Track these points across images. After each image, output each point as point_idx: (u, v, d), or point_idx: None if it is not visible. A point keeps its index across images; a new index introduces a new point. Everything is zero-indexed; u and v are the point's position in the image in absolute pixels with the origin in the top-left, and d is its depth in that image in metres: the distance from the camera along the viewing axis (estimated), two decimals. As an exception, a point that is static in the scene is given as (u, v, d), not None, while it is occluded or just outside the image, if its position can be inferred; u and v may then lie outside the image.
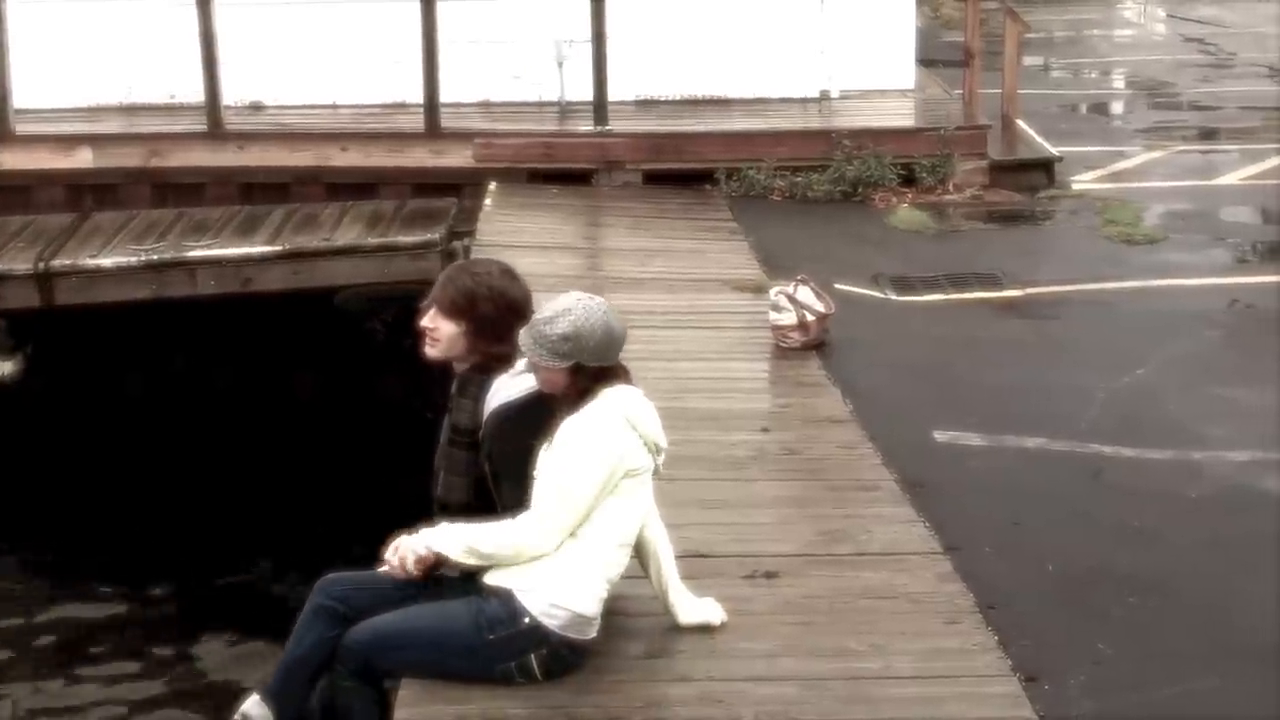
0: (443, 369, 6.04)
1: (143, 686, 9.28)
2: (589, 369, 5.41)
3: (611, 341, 5.44)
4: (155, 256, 12.33)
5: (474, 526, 5.45)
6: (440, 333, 5.79)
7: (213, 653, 9.59)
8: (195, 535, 10.99)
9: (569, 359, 5.38)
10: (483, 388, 5.73)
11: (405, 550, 5.45)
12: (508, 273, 5.95)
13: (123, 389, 12.87)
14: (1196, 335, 10.09)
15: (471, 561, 5.40)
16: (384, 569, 5.60)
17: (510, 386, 5.67)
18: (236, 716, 5.71)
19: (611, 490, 5.39)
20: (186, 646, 9.62)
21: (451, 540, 5.42)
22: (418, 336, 5.91)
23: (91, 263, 12.30)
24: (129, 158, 13.83)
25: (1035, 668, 5.73)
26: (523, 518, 5.39)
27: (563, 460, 5.35)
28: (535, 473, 5.42)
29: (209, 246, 12.52)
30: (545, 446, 5.42)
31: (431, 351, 5.86)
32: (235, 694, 6.02)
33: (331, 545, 8.31)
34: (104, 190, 13.74)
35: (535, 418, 5.50)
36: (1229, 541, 7.06)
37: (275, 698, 5.65)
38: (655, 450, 5.51)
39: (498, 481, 5.66)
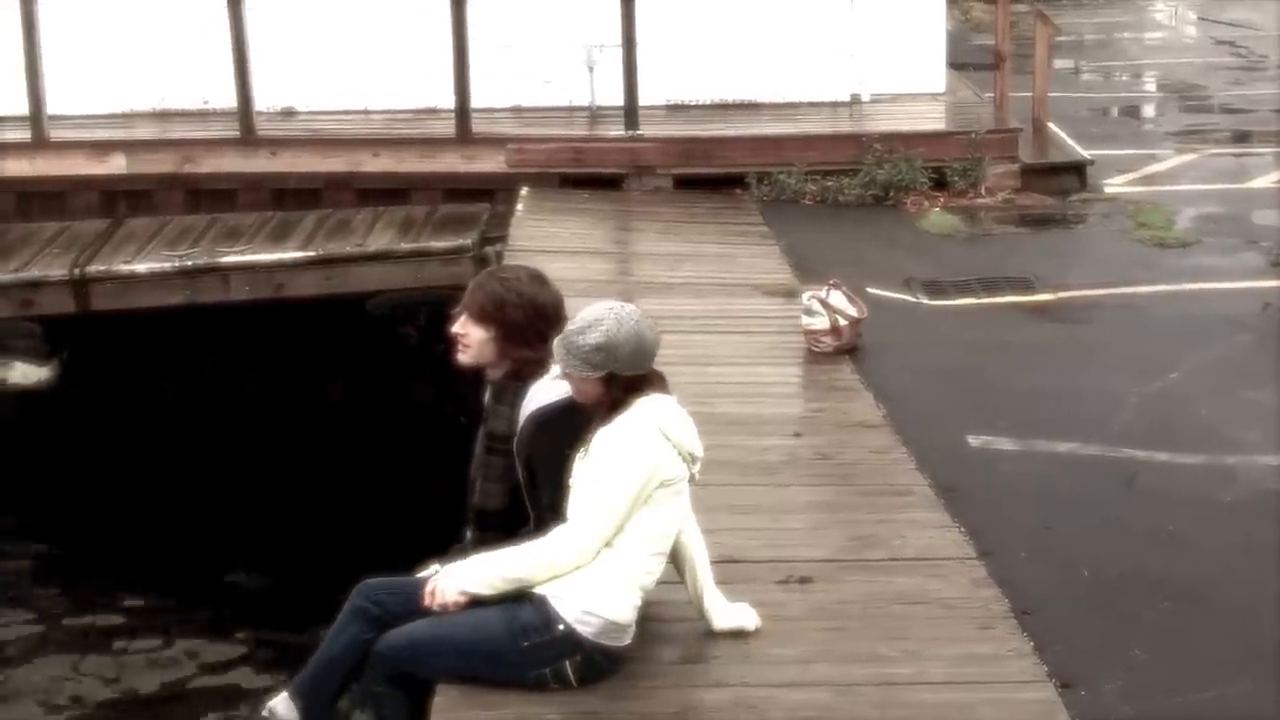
0: (475, 375, 6.07)
1: (177, 686, 9.35)
2: (622, 378, 5.43)
3: (644, 350, 5.45)
4: (189, 262, 12.38)
5: (506, 553, 5.46)
6: (470, 339, 5.82)
7: (246, 654, 9.63)
8: (230, 540, 11.03)
9: (602, 369, 5.40)
10: (518, 394, 5.76)
11: (441, 599, 5.44)
12: (537, 278, 5.98)
13: (157, 394, 12.93)
14: (1229, 339, 10.06)
15: (509, 589, 5.41)
16: (421, 574, 5.63)
17: (547, 391, 5.69)
18: (264, 712, 5.76)
19: (646, 500, 5.39)
20: (220, 648, 9.67)
21: (485, 576, 5.42)
22: (450, 343, 5.94)
23: (126, 268, 12.37)
24: (162, 164, 13.89)
25: (1070, 673, 5.73)
26: (556, 533, 5.40)
27: (597, 473, 5.36)
28: (570, 482, 5.44)
29: (242, 252, 12.57)
30: (580, 455, 5.44)
31: (463, 358, 5.90)
32: (267, 693, 6.04)
33: (365, 550, 8.33)
34: (138, 196, 13.81)
35: (571, 423, 5.51)
36: (1263, 546, 7.04)
37: (304, 697, 5.68)
38: (690, 460, 5.52)
39: (534, 487, 5.68)
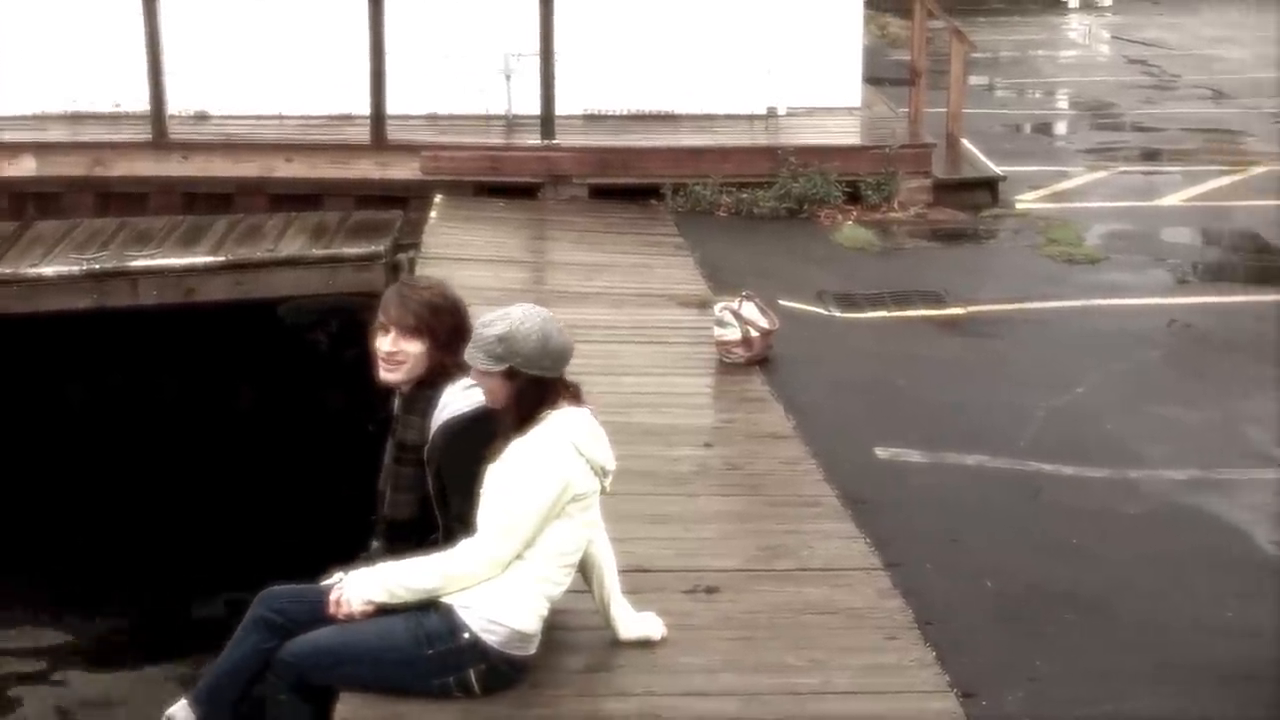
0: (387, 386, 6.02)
1: (75, 692, 9.23)
2: (525, 376, 5.36)
3: (549, 350, 5.39)
4: (97, 266, 12.25)
5: (413, 564, 5.42)
6: (404, 354, 5.74)
7: (150, 662, 9.52)
8: (135, 546, 10.92)
9: (503, 362, 5.35)
10: (429, 403, 5.71)
11: (346, 608, 5.41)
12: (446, 284, 5.99)
13: (64, 398, 12.78)
14: (1136, 354, 10.17)
15: (415, 600, 5.38)
16: (326, 582, 5.59)
17: (459, 400, 5.65)
18: (163, 719, 5.68)
19: (557, 515, 5.38)
20: (121, 654, 9.56)
21: (391, 586, 5.38)
22: (372, 362, 5.85)
23: (33, 271, 12.22)
24: (73, 166, 13.76)
25: (973, 684, 5.76)
26: (465, 546, 5.36)
27: (508, 486, 5.32)
28: (481, 493, 5.39)
29: (152, 256, 12.45)
30: (492, 466, 5.39)
31: (394, 375, 5.80)
32: (166, 700, 5.97)
33: (272, 557, 8.27)
34: (47, 199, 13.67)
35: (483, 432, 5.46)
36: (1166, 559, 7.12)
37: (203, 704, 5.63)
38: (602, 474, 5.50)
39: (444, 497, 5.64)
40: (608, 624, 5.81)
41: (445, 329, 5.73)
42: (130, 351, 12.90)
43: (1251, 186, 15.64)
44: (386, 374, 5.81)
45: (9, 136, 14.18)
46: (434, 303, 5.76)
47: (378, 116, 13.83)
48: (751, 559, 6.79)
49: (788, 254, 12.55)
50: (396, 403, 5.92)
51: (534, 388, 5.39)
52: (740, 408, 8.92)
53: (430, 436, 5.70)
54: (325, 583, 5.62)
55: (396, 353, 5.75)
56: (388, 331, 5.75)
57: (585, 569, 5.71)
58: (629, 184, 13.92)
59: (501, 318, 5.41)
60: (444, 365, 5.74)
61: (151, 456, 11.96)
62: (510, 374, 5.37)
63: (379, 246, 12.45)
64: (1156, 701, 5.86)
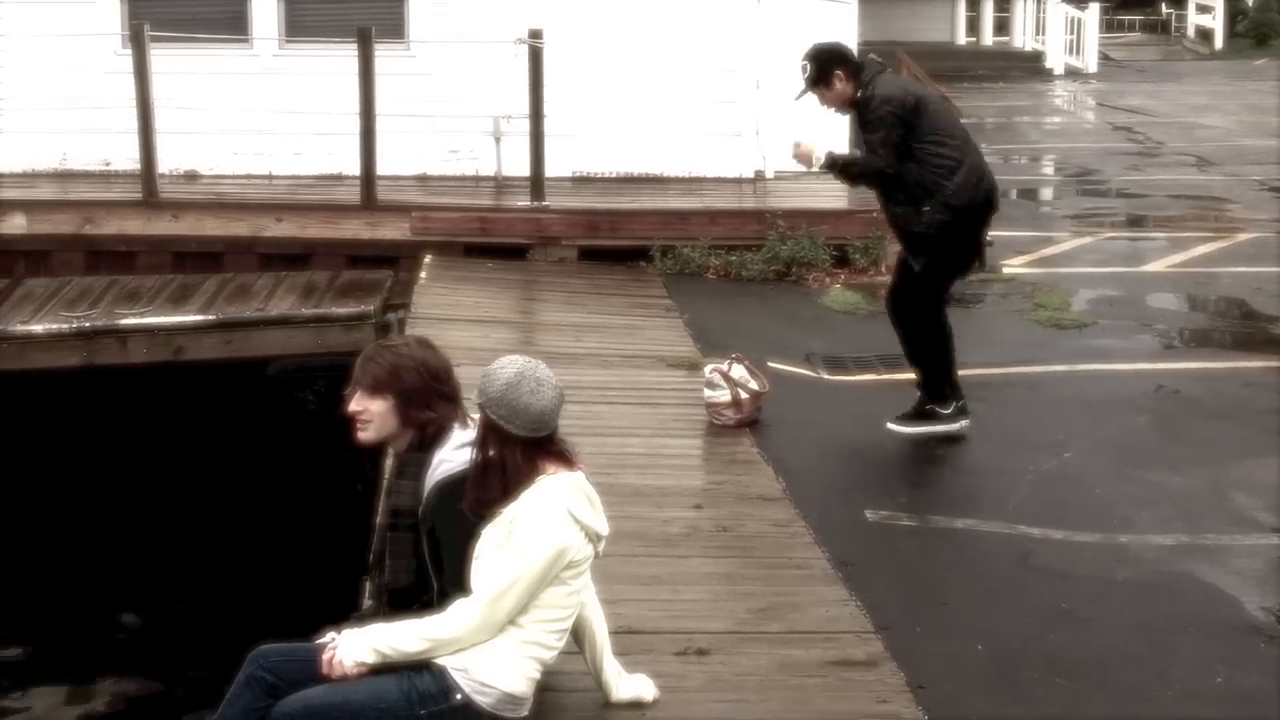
0: (374, 445, 6.02)
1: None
2: (485, 416, 5.40)
3: (506, 397, 5.37)
4: (87, 324, 12.28)
5: (405, 626, 5.40)
6: (369, 413, 5.75)
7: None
8: (125, 606, 10.88)
9: (479, 396, 5.42)
10: (422, 466, 5.71)
11: (339, 668, 5.38)
12: (424, 343, 6.00)
13: (53, 456, 12.76)
14: (1123, 419, 10.18)
15: (405, 661, 5.37)
16: (318, 641, 5.57)
17: (452, 459, 5.65)
18: (160, 784, 5.66)
19: (551, 581, 5.37)
20: (113, 717, 9.51)
21: (383, 649, 5.36)
22: (349, 423, 5.87)
23: (22, 329, 12.24)
24: (62, 224, 13.80)
25: (964, 748, 5.76)
26: (457, 609, 5.35)
27: (504, 552, 5.32)
28: (475, 554, 5.39)
29: (141, 315, 12.48)
30: (487, 526, 5.39)
31: (365, 435, 5.82)
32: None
33: (262, 616, 8.25)
34: (37, 257, 13.70)
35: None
36: (1155, 624, 7.12)
37: (200, 767, 5.60)
38: (596, 539, 5.51)
39: (438, 557, 5.63)
40: (599, 686, 5.80)
41: (408, 387, 5.72)
42: (119, 409, 12.89)
43: (1236, 253, 15.73)
44: (359, 433, 5.83)
45: (-1, 194, 14.23)
46: (397, 364, 5.76)
47: (368, 177, 13.88)
48: (742, 621, 6.78)
49: (776, 316, 12.59)
50: (390, 467, 5.91)
51: (492, 433, 5.41)
52: (730, 470, 8.93)
53: (424, 497, 5.70)
54: (318, 641, 5.60)
55: (361, 411, 5.77)
56: (355, 391, 5.78)
57: (577, 631, 5.70)
58: (618, 246, 13.98)
59: (503, 358, 5.48)
60: (423, 425, 5.74)
61: (140, 514, 11.94)
62: (480, 409, 5.41)
63: (368, 306, 12.50)
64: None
